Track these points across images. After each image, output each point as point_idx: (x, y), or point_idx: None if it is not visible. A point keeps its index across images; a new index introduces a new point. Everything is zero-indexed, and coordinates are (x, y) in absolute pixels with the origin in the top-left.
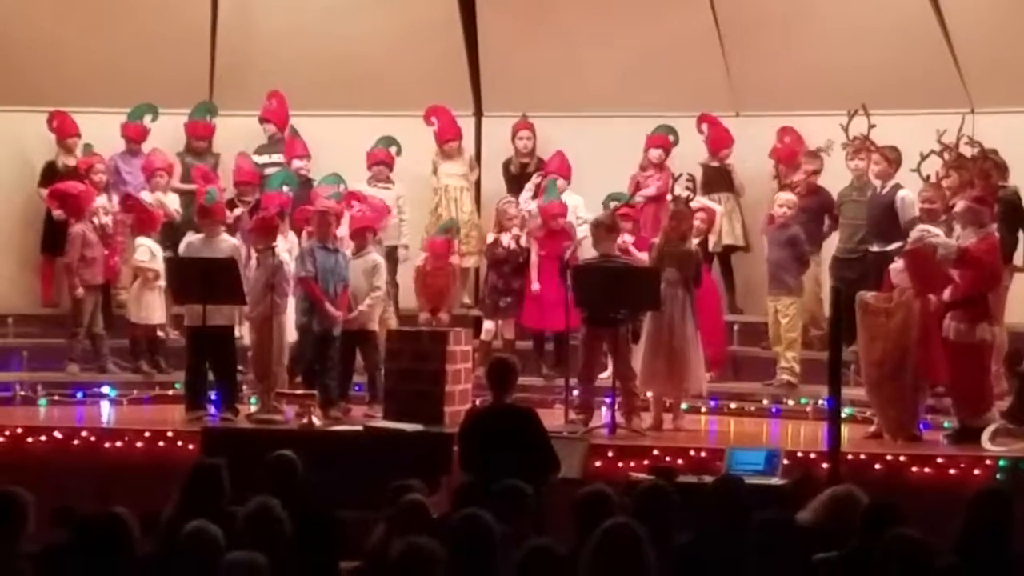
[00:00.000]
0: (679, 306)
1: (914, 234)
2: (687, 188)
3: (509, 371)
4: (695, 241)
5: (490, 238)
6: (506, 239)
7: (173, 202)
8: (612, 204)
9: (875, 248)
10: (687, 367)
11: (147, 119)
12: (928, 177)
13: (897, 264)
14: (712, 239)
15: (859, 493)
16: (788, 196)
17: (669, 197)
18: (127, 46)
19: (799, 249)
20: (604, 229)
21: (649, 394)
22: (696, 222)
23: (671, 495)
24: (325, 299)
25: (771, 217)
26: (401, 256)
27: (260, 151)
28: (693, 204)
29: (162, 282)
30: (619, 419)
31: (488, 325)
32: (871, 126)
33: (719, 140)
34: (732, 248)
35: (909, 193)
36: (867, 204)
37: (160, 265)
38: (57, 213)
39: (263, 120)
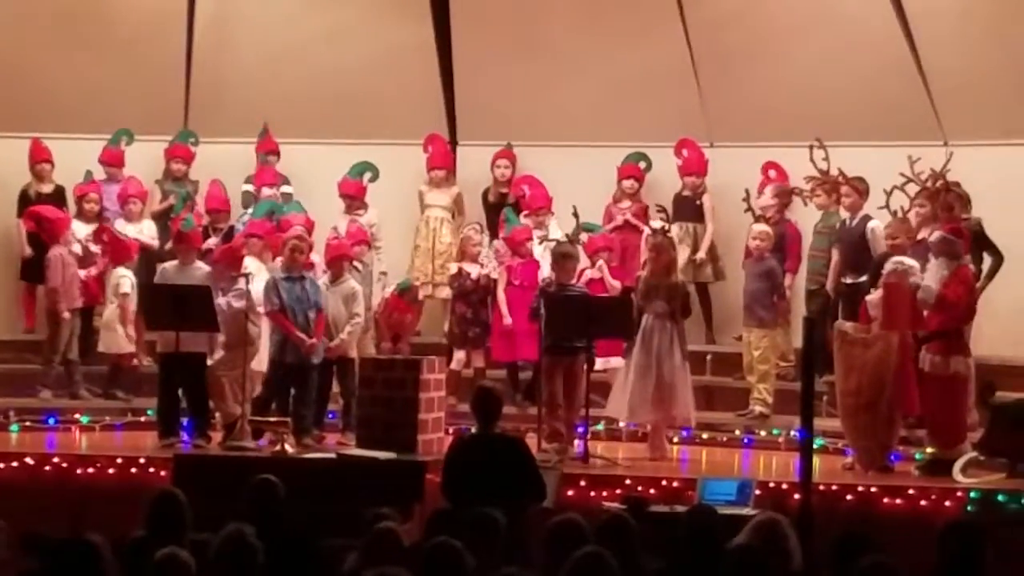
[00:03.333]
0: (667, 337)
1: (888, 266)
2: (660, 218)
3: (494, 401)
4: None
5: (453, 268)
6: (474, 270)
7: (150, 229)
8: (583, 235)
9: (848, 280)
10: (675, 397)
11: (123, 143)
12: (896, 212)
13: (874, 296)
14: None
15: (781, 520)
16: (763, 228)
17: (647, 231)
18: (103, 72)
19: (774, 281)
20: (569, 259)
21: (630, 424)
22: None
23: (632, 523)
24: (295, 329)
25: (747, 250)
26: (380, 282)
27: (250, 181)
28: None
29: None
30: (545, 445)
31: (459, 354)
32: (824, 159)
33: (693, 164)
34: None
35: (879, 224)
36: (834, 235)
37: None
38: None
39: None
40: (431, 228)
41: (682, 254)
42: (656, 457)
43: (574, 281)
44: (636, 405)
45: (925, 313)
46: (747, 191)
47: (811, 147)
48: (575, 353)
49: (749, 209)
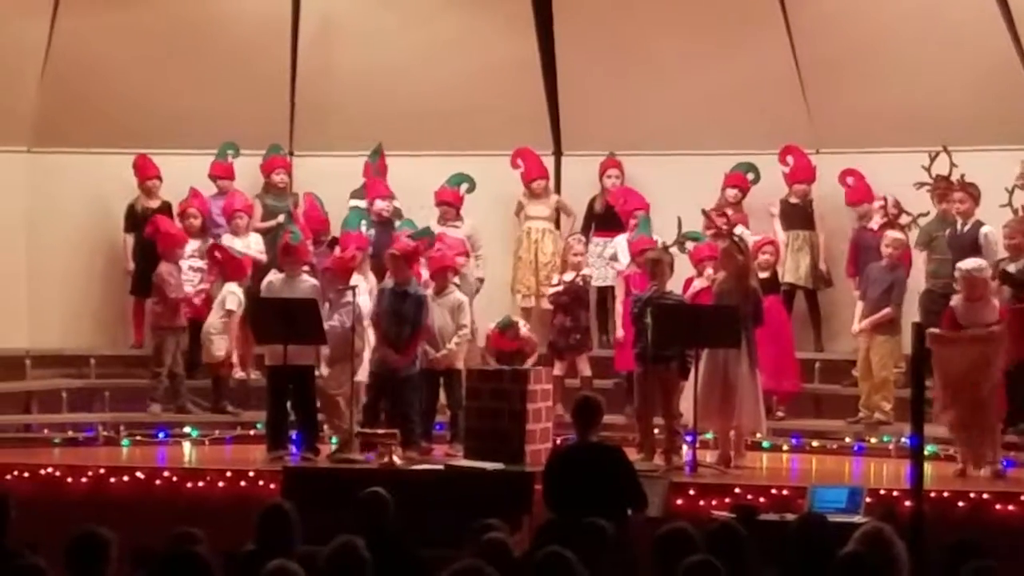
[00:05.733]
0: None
1: (966, 264)
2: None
3: (595, 410)
4: (764, 274)
5: (554, 281)
6: (569, 276)
7: (257, 243)
8: (689, 244)
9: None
10: (739, 404)
11: (229, 156)
12: (1017, 211)
13: (955, 298)
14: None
15: (885, 528)
16: (896, 235)
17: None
18: (208, 88)
19: (899, 291)
20: (660, 264)
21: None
22: (767, 255)
23: (741, 532)
24: (385, 342)
25: (852, 255)
26: (477, 289)
27: (356, 195)
28: (755, 238)
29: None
30: (659, 457)
31: (559, 364)
32: (953, 165)
33: (801, 171)
34: (793, 287)
35: (992, 229)
36: (948, 241)
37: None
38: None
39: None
40: (532, 240)
41: (802, 262)
42: (722, 466)
43: (672, 289)
44: (700, 412)
45: None
46: (897, 200)
47: (936, 153)
48: (668, 361)
49: (900, 213)
